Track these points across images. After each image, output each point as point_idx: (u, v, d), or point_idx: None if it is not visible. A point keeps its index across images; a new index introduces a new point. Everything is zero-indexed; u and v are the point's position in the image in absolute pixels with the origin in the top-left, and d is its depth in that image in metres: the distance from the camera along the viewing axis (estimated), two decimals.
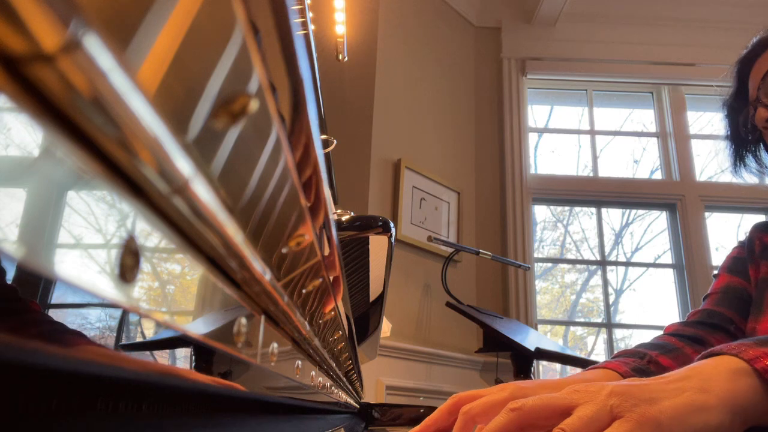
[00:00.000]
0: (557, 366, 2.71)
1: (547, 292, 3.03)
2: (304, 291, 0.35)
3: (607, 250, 2.87)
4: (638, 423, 0.33)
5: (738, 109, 0.84)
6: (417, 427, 0.48)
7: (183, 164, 0.14)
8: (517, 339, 1.92)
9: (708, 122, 3.04)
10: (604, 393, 0.35)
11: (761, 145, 0.85)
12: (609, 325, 2.76)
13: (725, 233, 2.89)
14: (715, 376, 0.39)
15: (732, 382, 0.38)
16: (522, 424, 0.36)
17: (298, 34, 0.21)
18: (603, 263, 2.84)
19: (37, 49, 0.09)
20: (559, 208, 3.01)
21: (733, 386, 0.38)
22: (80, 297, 0.12)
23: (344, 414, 1.00)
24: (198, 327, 0.20)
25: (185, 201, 0.15)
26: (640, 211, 2.98)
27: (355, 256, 0.93)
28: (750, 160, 0.86)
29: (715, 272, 0.88)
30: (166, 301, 0.17)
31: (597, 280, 2.92)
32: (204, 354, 0.22)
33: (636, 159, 3.05)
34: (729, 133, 0.87)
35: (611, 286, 2.93)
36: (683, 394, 0.36)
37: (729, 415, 0.37)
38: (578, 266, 3.01)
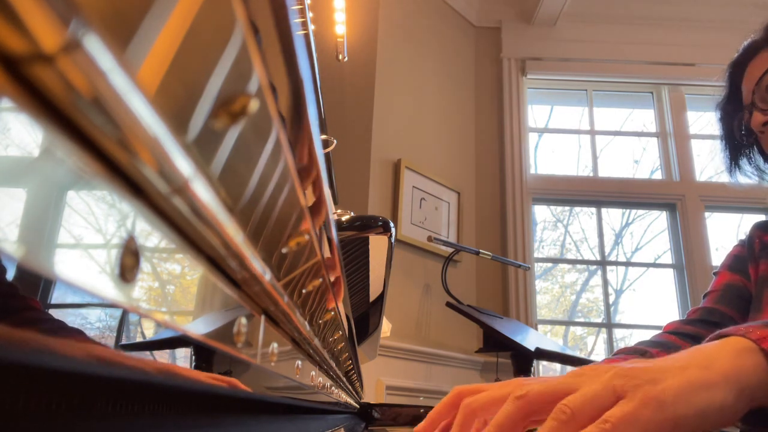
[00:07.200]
0: (557, 366, 2.70)
1: (547, 292, 3.03)
2: (304, 291, 0.35)
3: (607, 250, 2.87)
4: (642, 402, 0.33)
5: (732, 112, 0.84)
6: (422, 423, 0.48)
7: (183, 164, 0.14)
8: (517, 339, 1.92)
9: (708, 122, 3.04)
10: (608, 374, 0.35)
11: (756, 149, 0.85)
12: (609, 325, 2.76)
13: (725, 233, 2.89)
14: (720, 354, 0.38)
15: (737, 359, 0.38)
16: (528, 411, 0.36)
17: (298, 34, 0.21)
18: (603, 263, 2.84)
19: (37, 49, 0.09)
20: (559, 208, 3.01)
21: (737, 363, 0.38)
22: (80, 297, 0.12)
23: (344, 414, 1.00)
24: (198, 327, 0.20)
25: (185, 201, 0.15)
26: (640, 211, 2.98)
27: (355, 256, 0.93)
28: (745, 163, 0.87)
29: (716, 270, 0.88)
30: (166, 301, 0.17)
31: (597, 280, 2.92)
32: (204, 354, 0.22)
33: (636, 159, 3.05)
34: (723, 135, 0.88)
35: (611, 286, 2.93)
36: (686, 371, 0.36)
37: (733, 392, 0.36)
38: (578, 266, 3.01)
